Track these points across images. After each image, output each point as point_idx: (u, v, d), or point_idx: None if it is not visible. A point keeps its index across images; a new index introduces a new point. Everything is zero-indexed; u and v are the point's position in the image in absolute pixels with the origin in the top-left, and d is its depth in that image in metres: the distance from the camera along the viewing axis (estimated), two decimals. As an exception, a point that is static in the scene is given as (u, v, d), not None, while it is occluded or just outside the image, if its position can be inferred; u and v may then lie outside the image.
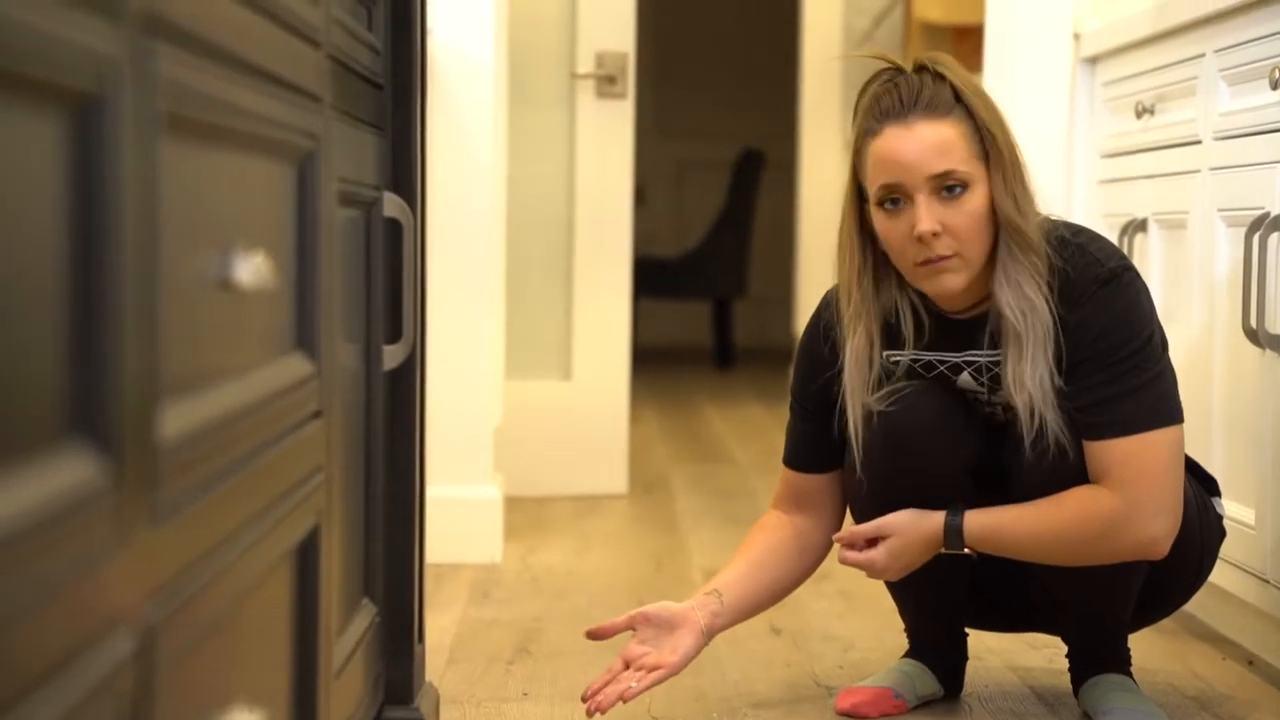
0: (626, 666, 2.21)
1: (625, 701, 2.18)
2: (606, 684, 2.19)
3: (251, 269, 1.16)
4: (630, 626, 2.25)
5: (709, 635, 2.28)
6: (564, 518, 3.89)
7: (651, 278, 7.80)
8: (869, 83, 2.21)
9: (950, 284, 2.17)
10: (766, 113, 9.04)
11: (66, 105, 0.84)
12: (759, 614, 2.39)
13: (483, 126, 3.45)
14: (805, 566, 2.39)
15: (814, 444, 2.38)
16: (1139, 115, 3.19)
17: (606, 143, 4.31)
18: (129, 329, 0.92)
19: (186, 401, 1.06)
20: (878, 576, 2.29)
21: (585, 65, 4.28)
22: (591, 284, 4.31)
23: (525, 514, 3.90)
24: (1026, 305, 2.15)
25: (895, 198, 2.16)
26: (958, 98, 2.16)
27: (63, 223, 0.84)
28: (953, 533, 2.20)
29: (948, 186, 2.14)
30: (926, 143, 2.14)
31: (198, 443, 1.07)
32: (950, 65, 2.20)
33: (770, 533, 2.39)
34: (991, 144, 2.17)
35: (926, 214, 2.14)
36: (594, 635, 2.26)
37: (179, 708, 1.04)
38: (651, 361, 7.56)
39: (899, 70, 2.20)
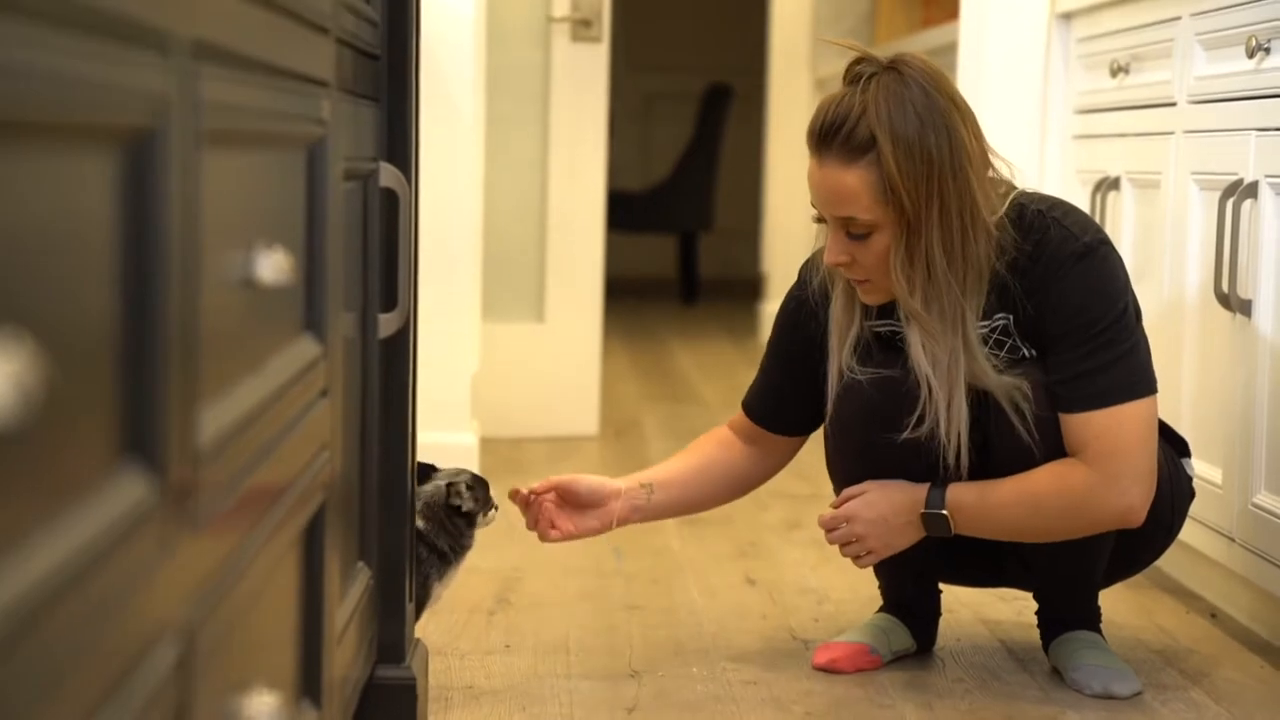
0: (535, 496, 2.33)
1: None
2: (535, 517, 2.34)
3: (272, 266, 1.18)
4: (551, 491, 2.35)
5: (617, 525, 2.37)
6: (538, 461, 3.93)
7: (617, 211, 7.80)
8: (845, 70, 2.20)
9: (869, 299, 2.26)
10: (735, 46, 9.02)
11: (120, 141, 0.86)
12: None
13: (463, 75, 3.46)
14: (737, 493, 2.50)
15: (776, 399, 2.44)
16: (1113, 74, 3.22)
17: (581, 86, 4.31)
18: (174, 348, 0.94)
19: (219, 404, 1.08)
20: (863, 555, 2.32)
21: (561, 8, 4.28)
22: (565, 228, 4.32)
23: (500, 456, 3.92)
24: (932, 360, 2.20)
25: (820, 216, 2.23)
26: (874, 139, 2.13)
27: (115, 255, 0.86)
28: (934, 497, 2.23)
29: (850, 231, 2.19)
30: (830, 187, 2.18)
31: (229, 443, 1.10)
32: (909, 78, 2.14)
33: (719, 450, 2.46)
34: (895, 198, 2.13)
35: (833, 246, 2.21)
36: (515, 496, 2.34)
37: (211, 700, 1.07)
38: (617, 295, 7.58)
39: (855, 80, 2.16)
